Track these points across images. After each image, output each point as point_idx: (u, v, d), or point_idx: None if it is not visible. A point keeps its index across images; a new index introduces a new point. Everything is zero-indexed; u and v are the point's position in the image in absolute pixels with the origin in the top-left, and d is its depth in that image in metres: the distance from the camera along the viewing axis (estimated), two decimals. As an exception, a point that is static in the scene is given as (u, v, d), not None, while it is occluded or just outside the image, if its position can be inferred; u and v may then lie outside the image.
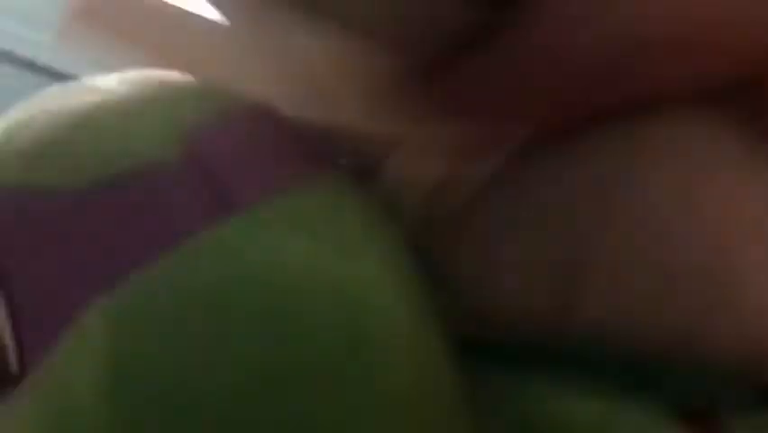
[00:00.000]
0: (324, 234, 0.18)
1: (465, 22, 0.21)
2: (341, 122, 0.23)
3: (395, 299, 0.18)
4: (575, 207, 0.22)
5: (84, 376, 0.15)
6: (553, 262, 0.23)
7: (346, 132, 0.23)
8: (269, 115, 0.19)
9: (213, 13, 0.24)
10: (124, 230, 0.16)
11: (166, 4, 0.25)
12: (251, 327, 0.16)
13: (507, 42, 0.20)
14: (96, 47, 0.23)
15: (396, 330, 0.17)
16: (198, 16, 0.25)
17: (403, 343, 0.17)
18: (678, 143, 0.22)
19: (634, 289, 0.24)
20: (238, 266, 0.16)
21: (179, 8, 0.25)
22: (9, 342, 0.16)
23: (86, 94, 0.19)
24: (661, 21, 0.19)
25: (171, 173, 0.17)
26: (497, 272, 0.23)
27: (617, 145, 0.22)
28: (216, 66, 0.24)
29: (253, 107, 0.19)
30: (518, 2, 0.19)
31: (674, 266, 0.23)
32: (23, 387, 0.16)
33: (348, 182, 0.20)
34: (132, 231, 0.16)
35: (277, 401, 0.16)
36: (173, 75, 0.19)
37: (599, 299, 0.24)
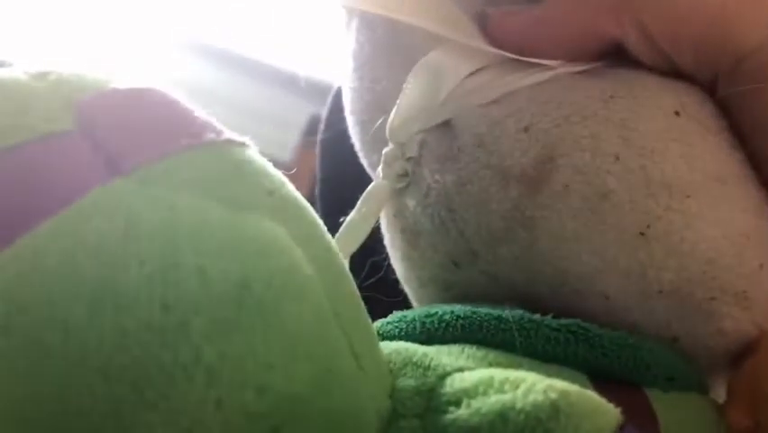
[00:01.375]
0: (214, 189, 0.18)
1: None
2: None
3: (285, 251, 0.18)
4: None
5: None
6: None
7: None
8: (155, 92, 0.19)
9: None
10: (11, 197, 0.16)
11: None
12: (138, 276, 0.16)
13: None
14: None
15: (287, 278, 0.17)
16: None
17: (295, 291, 0.17)
18: None
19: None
20: (122, 219, 0.16)
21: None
22: None
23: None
24: None
25: (62, 144, 0.17)
26: None
27: None
28: None
29: (139, 86, 0.19)
30: None
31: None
32: None
33: (248, 154, 0.20)
34: (19, 197, 0.16)
35: (171, 341, 0.16)
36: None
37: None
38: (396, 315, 0.26)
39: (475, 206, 0.26)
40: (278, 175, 0.20)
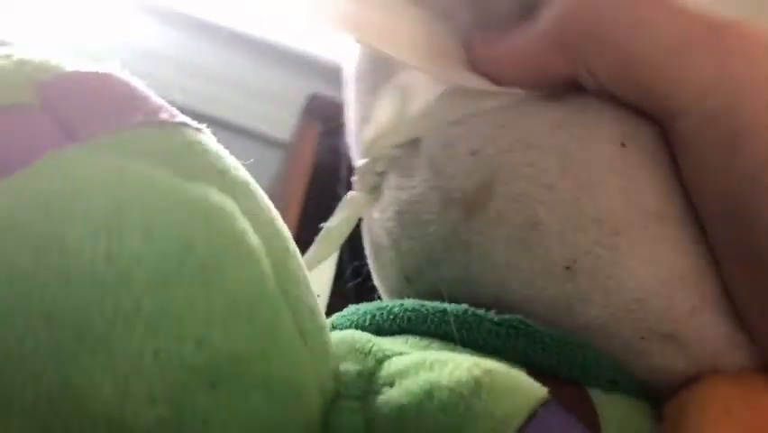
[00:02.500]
0: (165, 160, 0.19)
1: None
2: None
3: (231, 218, 0.19)
4: None
5: None
6: None
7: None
8: (115, 76, 0.20)
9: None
10: None
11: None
12: (84, 230, 0.17)
13: None
14: None
15: (231, 242, 0.18)
16: None
17: (238, 255, 0.18)
18: None
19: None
20: (72, 179, 0.17)
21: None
22: None
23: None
24: None
25: (22, 113, 0.18)
26: None
27: None
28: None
29: (100, 69, 0.20)
30: None
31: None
32: None
33: (202, 137, 0.21)
34: None
35: (113, 290, 0.16)
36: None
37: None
38: (350, 308, 0.26)
39: (419, 225, 0.26)
40: (232, 159, 0.21)
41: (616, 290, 0.24)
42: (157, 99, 0.21)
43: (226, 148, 0.21)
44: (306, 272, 0.22)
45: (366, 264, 0.31)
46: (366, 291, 0.31)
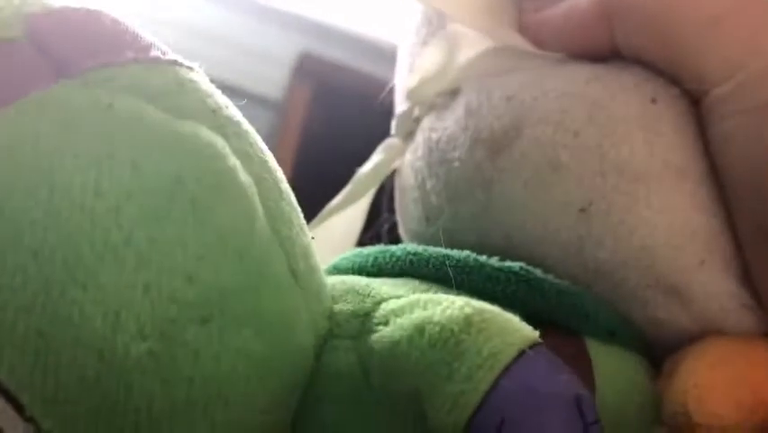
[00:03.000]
0: (155, 97, 0.19)
1: None
2: None
3: (221, 156, 0.18)
4: None
5: None
6: None
7: None
8: (105, 13, 0.20)
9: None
10: None
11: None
12: (73, 164, 0.17)
13: None
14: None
15: (221, 179, 0.18)
16: None
17: (228, 192, 0.18)
18: None
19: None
20: (62, 114, 0.17)
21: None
22: None
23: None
24: None
25: (10, 48, 0.18)
26: None
27: None
28: None
29: (89, 6, 0.20)
30: None
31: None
32: None
33: (195, 75, 0.20)
34: None
35: (103, 224, 0.16)
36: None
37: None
38: (353, 251, 0.27)
39: (446, 163, 0.27)
40: (224, 98, 0.21)
41: (627, 235, 0.24)
42: (148, 37, 0.20)
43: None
44: (300, 214, 0.22)
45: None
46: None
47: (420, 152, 0.29)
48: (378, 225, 0.33)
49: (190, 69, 0.21)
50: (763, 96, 0.23)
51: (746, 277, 0.24)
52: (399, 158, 0.30)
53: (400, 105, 0.31)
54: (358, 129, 0.34)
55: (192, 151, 0.18)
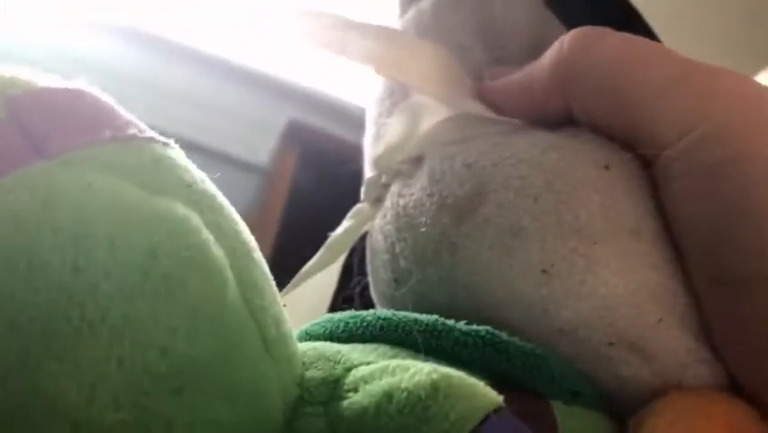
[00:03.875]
0: (132, 175, 0.19)
1: None
2: None
3: (194, 231, 0.19)
4: None
5: None
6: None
7: None
8: (85, 92, 0.21)
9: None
10: None
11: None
12: (52, 241, 0.17)
13: None
14: None
15: (194, 253, 0.19)
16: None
17: (200, 266, 0.19)
18: None
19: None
20: (41, 192, 0.18)
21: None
22: None
23: None
24: None
25: None
26: None
27: None
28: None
29: (70, 85, 0.21)
30: None
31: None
32: None
33: (171, 151, 0.21)
34: None
35: (80, 300, 0.17)
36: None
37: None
38: (324, 316, 0.27)
39: (413, 228, 0.29)
40: (200, 173, 0.22)
41: (588, 295, 0.25)
42: (126, 115, 0.21)
43: (204, 173, 0.22)
44: (272, 282, 0.23)
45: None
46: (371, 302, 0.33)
47: (389, 217, 0.30)
48: (350, 288, 0.34)
49: (167, 144, 0.22)
50: (710, 157, 0.24)
51: (702, 333, 0.25)
52: (369, 222, 0.32)
53: (368, 172, 0.33)
54: (343, 194, 0.35)
55: (166, 227, 0.19)
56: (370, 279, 0.33)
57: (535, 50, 0.30)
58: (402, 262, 0.29)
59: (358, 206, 0.32)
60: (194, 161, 0.22)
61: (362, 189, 0.32)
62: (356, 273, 0.34)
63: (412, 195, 0.29)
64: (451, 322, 0.25)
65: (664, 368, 0.25)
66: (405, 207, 0.29)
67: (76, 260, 0.17)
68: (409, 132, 0.30)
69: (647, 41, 0.28)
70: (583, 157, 0.27)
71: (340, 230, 0.32)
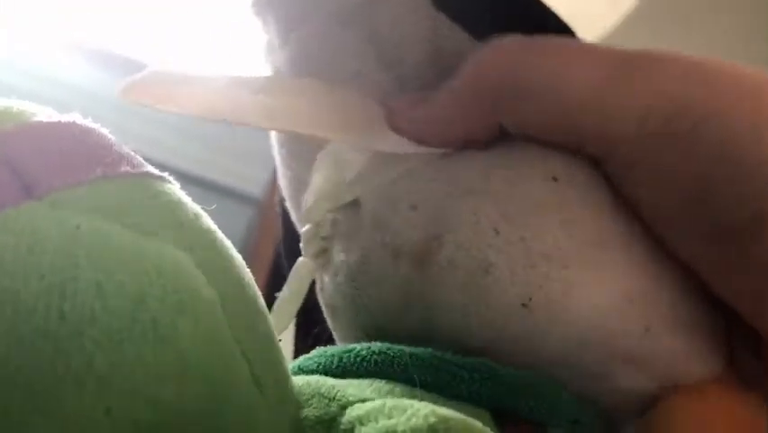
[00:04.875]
0: (122, 215, 0.19)
1: None
2: None
3: (184, 273, 0.19)
4: None
5: None
6: None
7: None
8: (77, 125, 0.20)
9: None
10: None
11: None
12: (38, 287, 0.17)
13: None
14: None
15: (183, 297, 0.18)
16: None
17: (190, 310, 0.18)
18: None
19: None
20: (27, 236, 0.17)
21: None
22: None
23: None
24: None
25: None
26: None
27: None
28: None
29: (61, 119, 0.20)
30: None
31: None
32: None
33: (166, 187, 0.21)
34: None
35: (65, 349, 0.17)
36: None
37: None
38: (318, 350, 0.27)
39: (375, 283, 0.27)
40: (196, 209, 0.21)
41: (573, 320, 0.24)
42: (120, 148, 0.21)
43: (198, 204, 0.22)
44: (267, 317, 0.22)
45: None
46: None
47: (341, 277, 0.28)
48: (315, 336, 0.33)
49: (161, 179, 0.21)
50: (680, 127, 0.23)
51: (688, 328, 0.25)
52: (312, 276, 0.30)
53: (299, 224, 0.31)
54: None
55: (155, 271, 0.18)
56: (334, 333, 0.31)
57: (434, 60, 0.29)
58: (370, 320, 0.28)
59: (300, 261, 0.30)
60: (188, 193, 0.22)
61: (301, 245, 0.30)
62: (317, 322, 0.33)
63: (362, 248, 0.27)
64: (447, 355, 0.24)
65: (659, 372, 0.25)
66: (357, 262, 0.28)
67: (61, 306, 0.17)
68: (335, 180, 0.28)
69: (571, 40, 0.27)
70: (526, 174, 0.26)
71: (285, 293, 0.30)
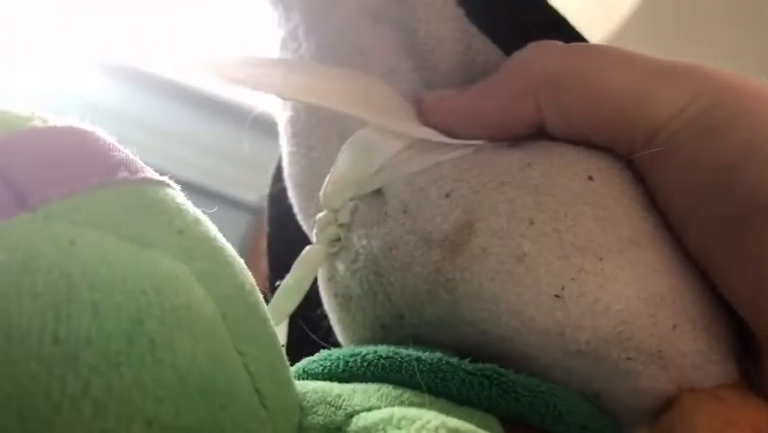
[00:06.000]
0: (118, 226, 0.18)
1: None
2: None
3: (182, 290, 0.18)
4: None
5: None
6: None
7: None
8: (73, 130, 0.20)
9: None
10: None
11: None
12: (31, 308, 0.16)
13: None
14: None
15: (182, 315, 0.18)
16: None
17: (189, 329, 0.18)
18: None
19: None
20: (21, 253, 0.17)
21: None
22: None
23: None
24: None
25: None
26: None
27: None
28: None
29: (58, 124, 0.20)
30: None
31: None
32: None
33: (164, 192, 0.20)
34: None
35: (60, 372, 0.16)
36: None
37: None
38: (322, 353, 0.26)
39: (400, 270, 0.27)
40: (196, 215, 0.21)
41: (604, 313, 0.24)
42: (117, 153, 0.20)
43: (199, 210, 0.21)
44: (269, 324, 0.22)
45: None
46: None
47: (362, 262, 0.28)
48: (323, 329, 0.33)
49: (161, 184, 0.20)
50: (712, 120, 0.24)
51: (711, 330, 0.25)
52: (321, 263, 0.30)
53: (308, 211, 0.31)
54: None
55: (152, 288, 0.18)
56: (339, 326, 0.30)
57: (465, 72, 0.29)
58: (390, 308, 0.27)
59: (308, 249, 0.29)
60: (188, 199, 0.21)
61: (314, 231, 0.30)
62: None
63: (388, 234, 0.27)
64: (455, 360, 0.24)
65: (679, 372, 0.25)
66: (383, 248, 0.27)
67: (56, 329, 0.16)
68: (361, 168, 0.28)
69: (614, 47, 0.28)
70: (564, 171, 0.26)
71: (290, 280, 0.29)
